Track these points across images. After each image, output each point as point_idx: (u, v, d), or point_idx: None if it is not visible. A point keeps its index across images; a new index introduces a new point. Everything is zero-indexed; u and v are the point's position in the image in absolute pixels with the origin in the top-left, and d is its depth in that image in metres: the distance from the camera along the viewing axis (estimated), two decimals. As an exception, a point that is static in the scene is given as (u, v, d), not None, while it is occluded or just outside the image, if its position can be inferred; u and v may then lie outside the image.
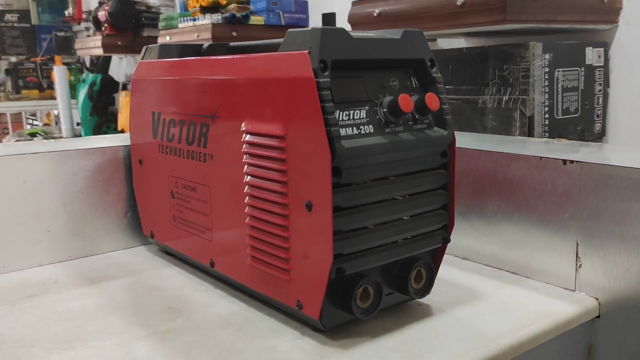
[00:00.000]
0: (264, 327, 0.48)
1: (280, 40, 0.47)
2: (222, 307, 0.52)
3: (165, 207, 0.62)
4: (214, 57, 0.54)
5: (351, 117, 0.43)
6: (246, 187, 0.49)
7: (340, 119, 0.42)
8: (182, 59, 0.58)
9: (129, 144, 0.67)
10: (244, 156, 0.49)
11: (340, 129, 0.42)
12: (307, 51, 0.42)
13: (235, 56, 0.51)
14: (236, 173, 0.50)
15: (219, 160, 0.53)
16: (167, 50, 0.62)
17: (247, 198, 0.49)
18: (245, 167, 0.49)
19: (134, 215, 0.69)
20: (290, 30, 0.45)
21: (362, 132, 0.43)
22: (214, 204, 0.54)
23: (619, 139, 1.23)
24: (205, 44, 0.64)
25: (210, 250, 0.56)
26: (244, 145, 0.49)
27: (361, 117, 0.44)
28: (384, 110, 0.44)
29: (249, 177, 0.49)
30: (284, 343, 0.45)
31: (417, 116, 0.46)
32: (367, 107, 0.44)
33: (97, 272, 0.61)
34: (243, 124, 0.49)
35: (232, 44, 0.62)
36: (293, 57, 0.43)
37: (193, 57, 0.57)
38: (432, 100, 0.45)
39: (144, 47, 0.64)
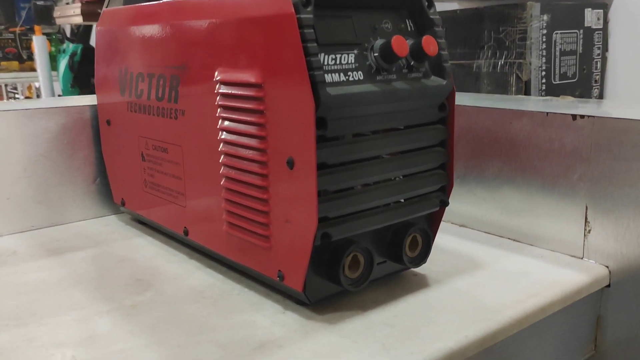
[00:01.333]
0: (242, 301, 0.43)
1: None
2: (196, 278, 0.47)
3: (135, 171, 0.57)
4: (183, 0, 0.48)
5: (338, 62, 0.38)
6: (221, 144, 0.44)
7: (326, 63, 0.37)
8: (148, 3, 0.52)
9: (95, 103, 0.61)
10: (218, 110, 0.43)
11: (326, 75, 0.37)
12: (286, -16, 0.36)
13: (206, -3, 0.45)
14: (210, 130, 0.45)
15: (191, 116, 0.47)
16: (133, -3, 0.56)
17: (222, 157, 0.44)
18: (220, 122, 0.43)
19: (104, 181, 0.64)
20: (267, -39, 0.39)
21: (350, 79, 0.38)
22: (186, 166, 0.49)
23: (618, 105, 1.18)
24: (178, -9, 0.58)
25: (183, 217, 0.51)
26: (218, 98, 0.43)
27: (349, 61, 0.38)
28: (375, 54, 0.39)
29: (224, 133, 0.43)
30: (264, 318, 0.40)
31: (412, 63, 0.41)
32: (356, 51, 0.39)
33: (61, 242, 0.56)
34: (216, 73, 0.43)
35: (206, -10, 0.56)
36: (271, -8, 0.37)
37: (160, 1, 0.51)
38: (429, 44, 0.40)
39: (110, -5, 0.58)
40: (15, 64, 3.56)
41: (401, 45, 0.38)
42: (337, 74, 0.37)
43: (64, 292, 0.45)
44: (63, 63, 2.95)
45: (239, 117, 0.41)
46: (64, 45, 3.10)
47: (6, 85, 3.92)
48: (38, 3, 3.53)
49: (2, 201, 0.58)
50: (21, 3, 3.70)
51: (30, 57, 3.46)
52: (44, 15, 3.55)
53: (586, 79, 1.17)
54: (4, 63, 3.54)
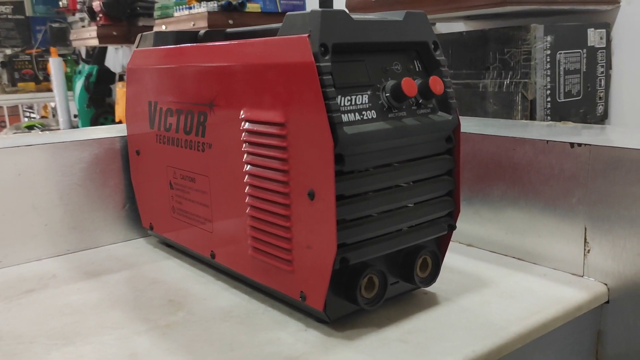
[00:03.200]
0: (267, 320, 0.47)
1: (279, 25, 0.45)
2: (223, 299, 0.51)
3: (163, 198, 0.61)
4: (211, 44, 0.52)
5: (353, 103, 0.42)
6: (246, 176, 0.48)
7: (342, 104, 0.41)
8: (178, 46, 0.57)
9: (125, 134, 0.66)
10: (244, 145, 0.48)
11: (342, 115, 0.41)
12: (307, 35, 0.41)
13: (232, 42, 0.49)
14: (236, 162, 0.49)
15: (218, 149, 0.51)
16: (162, 38, 0.61)
17: (247, 187, 0.48)
18: (245, 155, 0.48)
19: (133, 207, 0.68)
20: (289, 13, 0.43)
21: (365, 117, 0.42)
22: (213, 195, 0.53)
23: (622, 122, 1.21)
24: (202, 31, 0.62)
25: (210, 241, 0.55)
26: (243, 134, 0.48)
27: (363, 102, 0.42)
28: (387, 94, 0.43)
29: (249, 166, 0.48)
30: (288, 335, 0.44)
31: (420, 100, 0.45)
32: (369, 92, 0.43)
33: (95, 265, 0.60)
34: (242, 112, 0.48)
35: (229, 30, 0.60)
36: (292, 42, 0.42)
37: (189, 44, 0.56)
38: (436, 84, 0.44)
39: (139, 35, 0.63)
40: (31, 84, 3.64)
41: (410, 86, 0.42)
42: (352, 114, 0.42)
43: (104, 312, 0.49)
44: (79, 84, 3.02)
45: (264, 152, 0.46)
46: (80, 66, 3.18)
47: (23, 105, 4.01)
48: (54, 25, 3.62)
49: (40, 227, 0.62)
50: (37, 25, 3.80)
51: (47, 78, 3.54)
52: (60, 37, 3.64)
53: (591, 97, 1.20)
54: (20, 84, 3.63)
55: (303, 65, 0.41)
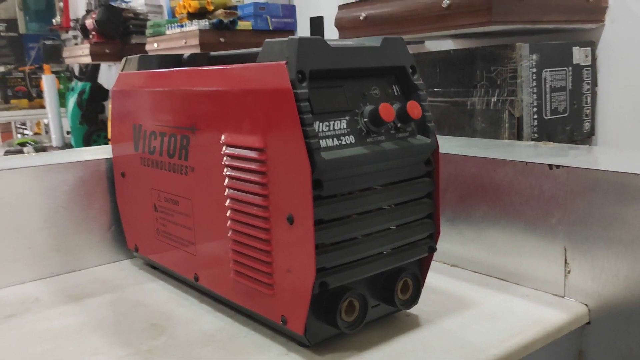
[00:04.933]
0: (249, 343, 0.47)
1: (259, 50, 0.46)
2: (206, 322, 0.51)
3: (148, 220, 0.61)
4: (192, 68, 0.53)
5: (331, 128, 0.42)
6: (228, 200, 0.48)
7: (320, 130, 0.42)
8: (161, 70, 0.57)
9: (110, 156, 0.66)
10: (225, 169, 0.48)
11: (320, 141, 0.41)
12: (284, 62, 0.41)
13: (213, 67, 0.50)
14: (217, 186, 0.49)
15: (200, 173, 0.52)
16: (146, 61, 0.61)
17: (228, 211, 0.48)
18: (226, 180, 0.48)
19: (118, 229, 0.68)
20: (267, 40, 0.44)
21: (343, 142, 0.42)
22: (196, 217, 0.53)
23: (609, 138, 1.22)
24: (186, 54, 0.63)
25: (194, 264, 0.55)
26: (224, 158, 0.48)
27: (342, 127, 0.43)
28: (365, 119, 0.44)
29: (230, 190, 0.48)
30: (269, 359, 0.44)
31: (399, 125, 0.46)
32: (347, 117, 0.43)
33: (79, 288, 0.60)
34: (223, 136, 0.48)
35: (213, 53, 0.61)
36: (270, 68, 0.42)
37: (172, 69, 0.56)
38: (413, 109, 0.44)
39: (124, 59, 0.63)
40: (24, 102, 3.65)
41: (388, 111, 0.43)
42: (330, 139, 0.42)
43: (85, 338, 0.49)
44: (72, 100, 3.02)
45: (244, 176, 0.46)
46: (73, 83, 3.19)
47: (15, 122, 4.00)
48: (47, 43, 3.63)
49: (24, 250, 0.62)
50: (30, 43, 3.81)
51: (40, 95, 3.55)
52: (53, 55, 3.65)
53: (577, 114, 1.22)
54: (13, 101, 3.63)
55: (280, 92, 0.41)
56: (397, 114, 0.44)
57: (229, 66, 0.47)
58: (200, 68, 0.52)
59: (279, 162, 0.43)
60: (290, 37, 0.42)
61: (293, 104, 0.40)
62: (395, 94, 0.47)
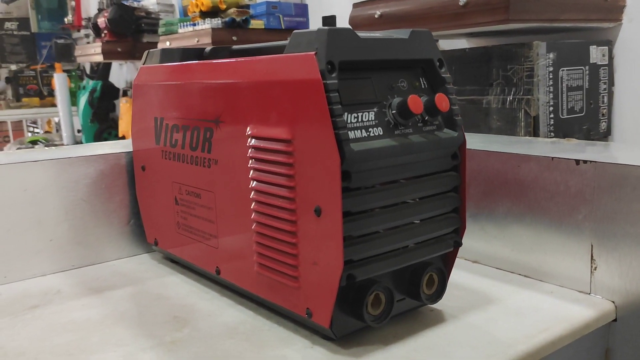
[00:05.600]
0: (273, 336, 0.47)
1: (284, 42, 0.45)
2: (229, 315, 0.51)
3: (169, 214, 0.61)
4: (217, 61, 0.53)
5: (360, 120, 0.42)
6: (252, 192, 0.48)
7: (349, 121, 0.41)
8: (185, 62, 0.57)
9: (131, 150, 0.66)
10: (250, 161, 0.48)
11: (349, 132, 0.41)
12: (313, 52, 0.41)
13: (238, 59, 0.50)
14: (242, 178, 0.49)
15: (224, 165, 0.52)
16: (168, 55, 0.61)
17: (253, 204, 0.48)
18: (251, 172, 0.48)
19: (137, 222, 0.68)
20: (295, 31, 0.44)
21: (371, 134, 0.42)
22: (219, 210, 0.53)
23: (625, 138, 1.21)
24: (208, 48, 0.63)
25: (215, 257, 0.55)
26: (250, 150, 0.48)
27: (370, 119, 0.43)
28: (393, 111, 0.43)
29: (255, 182, 0.48)
30: (294, 352, 0.44)
31: (426, 117, 0.45)
32: (375, 109, 0.43)
33: (100, 281, 0.60)
34: (248, 128, 0.48)
35: (234, 47, 0.61)
36: (299, 59, 0.42)
37: (196, 61, 0.56)
38: (442, 101, 0.44)
39: (146, 52, 0.63)
40: (36, 100, 3.67)
41: (416, 103, 0.43)
42: (359, 131, 0.42)
43: (108, 329, 0.49)
44: (83, 99, 3.04)
45: (270, 168, 0.46)
46: (84, 82, 3.20)
47: (27, 120, 4.03)
48: (58, 41, 3.65)
49: (46, 242, 0.62)
50: (42, 41, 3.83)
51: (51, 93, 3.57)
52: (64, 53, 3.67)
53: (594, 113, 1.21)
54: (25, 99, 3.66)
55: (310, 83, 0.41)
56: (425, 106, 0.44)
57: (256, 58, 0.47)
58: (226, 60, 0.51)
59: (307, 154, 0.42)
60: (320, 27, 0.42)
61: (323, 94, 0.40)
62: (423, 86, 0.47)
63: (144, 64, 0.63)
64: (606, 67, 1.19)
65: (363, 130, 0.42)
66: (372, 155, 0.41)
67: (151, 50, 0.63)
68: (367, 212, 0.43)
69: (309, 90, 0.41)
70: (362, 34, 0.43)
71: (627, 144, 1.21)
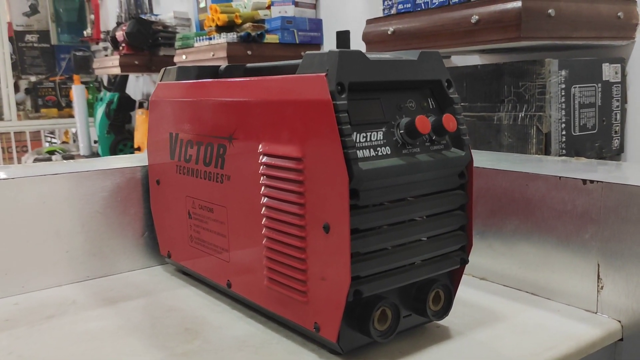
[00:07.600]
0: (281, 350, 0.48)
1: (297, 61, 0.47)
2: (239, 328, 0.52)
3: (182, 227, 0.62)
4: (231, 79, 0.54)
5: (368, 139, 0.43)
6: (263, 208, 0.49)
7: (358, 140, 0.43)
8: (200, 80, 0.59)
9: (146, 164, 0.68)
10: (261, 177, 0.49)
11: (358, 151, 0.42)
12: (324, 74, 0.42)
13: (252, 78, 0.51)
14: (253, 194, 0.50)
15: (236, 181, 0.53)
16: (184, 72, 0.63)
17: (264, 219, 0.49)
18: (263, 188, 0.49)
19: (151, 235, 0.70)
20: (307, 52, 0.45)
21: (379, 153, 0.43)
22: (230, 225, 0.54)
23: (638, 155, 1.21)
24: (223, 66, 0.65)
25: (227, 271, 0.56)
26: (261, 167, 0.49)
27: (378, 138, 0.44)
28: (401, 131, 0.44)
29: (266, 198, 0.49)
30: (302, 366, 0.45)
31: (434, 137, 0.46)
32: (384, 129, 0.44)
33: (114, 292, 0.62)
34: (260, 146, 0.49)
35: (249, 65, 0.63)
36: (310, 80, 0.43)
37: (210, 79, 0.58)
38: (449, 121, 0.45)
39: (162, 69, 0.65)
40: (54, 111, 3.73)
41: (424, 123, 0.44)
42: (367, 150, 0.43)
43: (122, 340, 0.50)
44: (100, 110, 3.09)
45: (281, 185, 0.47)
46: (101, 94, 3.26)
47: (45, 131, 4.10)
48: (77, 54, 3.72)
49: (62, 254, 0.64)
50: (61, 54, 3.91)
51: (69, 105, 3.63)
52: (83, 65, 3.74)
53: (606, 131, 1.21)
54: (43, 110, 3.73)
55: (320, 103, 0.42)
56: (432, 126, 0.45)
57: (269, 77, 0.49)
58: (240, 79, 0.53)
59: (317, 172, 0.43)
60: (330, 50, 0.43)
61: (332, 114, 0.41)
62: (431, 107, 0.48)
63: (160, 81, 0.64)
64: (619, 85, 1.20)
65: (371, 150, 0.43)
66: (380, 174, 0.42)
67: (168, 67, 0.65)
68: (375, 229, 0.44)
69: (319, 110, 0.42)
70: (371, 55, 0.44)
71: (636, 163, 1.20)
